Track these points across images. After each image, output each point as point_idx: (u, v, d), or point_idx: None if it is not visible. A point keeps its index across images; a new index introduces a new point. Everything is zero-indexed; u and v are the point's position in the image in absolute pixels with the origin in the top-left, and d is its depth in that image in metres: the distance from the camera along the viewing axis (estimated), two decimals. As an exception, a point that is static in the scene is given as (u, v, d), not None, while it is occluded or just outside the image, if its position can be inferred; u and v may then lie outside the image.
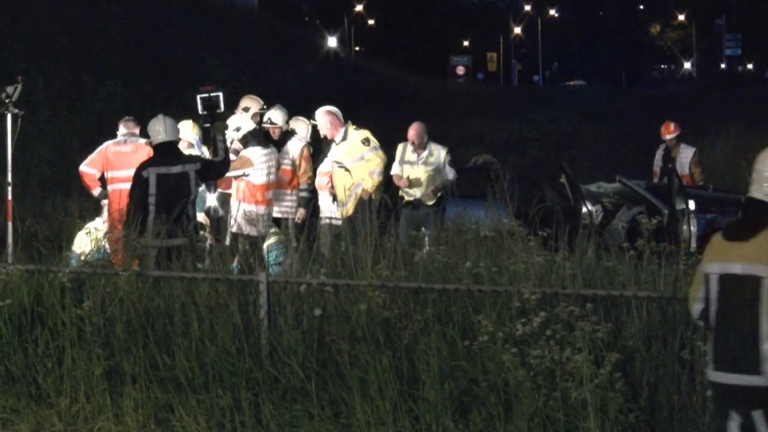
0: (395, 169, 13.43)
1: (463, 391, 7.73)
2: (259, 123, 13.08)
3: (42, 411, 8.74)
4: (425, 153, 13.35)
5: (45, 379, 8.81)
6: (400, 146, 13.54)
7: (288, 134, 13.32)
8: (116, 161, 12.76)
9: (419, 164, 13.33)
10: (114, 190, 12.51)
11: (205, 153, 12.49)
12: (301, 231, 12.66)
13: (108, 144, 12.98)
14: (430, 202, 13.29)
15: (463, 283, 8.08)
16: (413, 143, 13.32)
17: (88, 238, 10.50)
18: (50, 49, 28.64)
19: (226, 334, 8.42)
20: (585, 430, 7.36)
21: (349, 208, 12.58)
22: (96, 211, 12.92)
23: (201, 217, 11.90)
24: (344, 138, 12.85)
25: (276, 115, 13.26)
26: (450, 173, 13.42)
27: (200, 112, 11.23)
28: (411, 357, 7.95)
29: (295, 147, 13.21)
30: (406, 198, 13.29)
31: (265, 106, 13.40)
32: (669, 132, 16.88)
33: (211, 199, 12.43)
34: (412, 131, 13.39)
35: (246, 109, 13.23)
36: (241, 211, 12.07)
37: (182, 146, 12.47)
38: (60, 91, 26.29)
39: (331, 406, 8.05)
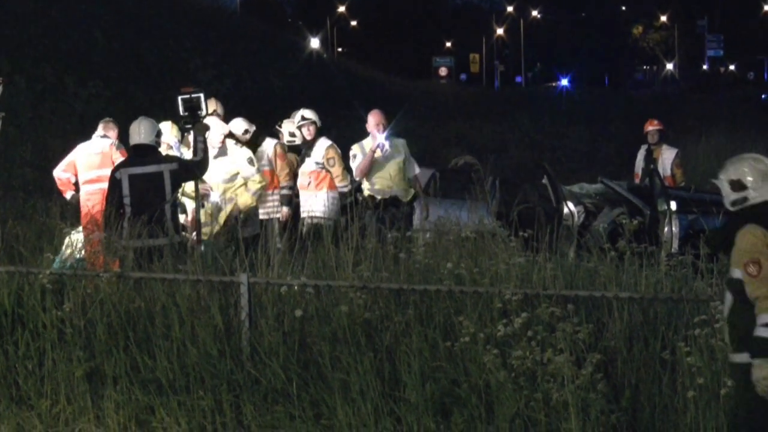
0: (362, 164, 12.60)
1: (445, 392, 7.73)
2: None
3: (23, 413, 8.71)
4: (387, 147, 12.45)
5: (26, 381, 8.79)
6: (357, 146, 12.76)
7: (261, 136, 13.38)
8: (83, 163, 12.77)
9: (383, 159, 12.57)
10: (83, 192, 12.50)
11: (185, 154, 12.46)
12: (284, 229, 12.64)
13: (79, 146, 12.99)
14: (407, 199, 12.64)
15: (444, 284, 8.09)
16: (378, 128, 12.44)
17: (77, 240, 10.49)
18: (32, 50, 28.52)
19: (208, 335, 8.41)
20: (566, 431, 7.38)
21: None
22: (76, 214, 12.87)
23: (183, 218, 11.87)
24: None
25: (236, 125, 13.22)
26: (416, 166, 12.83)
27: (181, 113, 11.19)
28: (392, 358, 7.95)
29: (269, 146, 13.25)
30: (379, 197, 12.50)
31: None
32: (652, 125, 16.84)
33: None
34: (376, 117, 12.55)
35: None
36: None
37: (161, 148, 12.44)
38: (42, 92, 26.17)
39: (312, 408, 8.04)
